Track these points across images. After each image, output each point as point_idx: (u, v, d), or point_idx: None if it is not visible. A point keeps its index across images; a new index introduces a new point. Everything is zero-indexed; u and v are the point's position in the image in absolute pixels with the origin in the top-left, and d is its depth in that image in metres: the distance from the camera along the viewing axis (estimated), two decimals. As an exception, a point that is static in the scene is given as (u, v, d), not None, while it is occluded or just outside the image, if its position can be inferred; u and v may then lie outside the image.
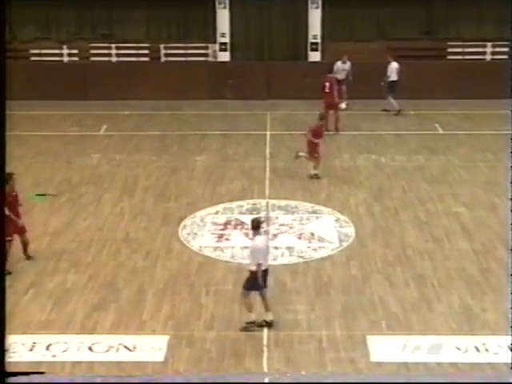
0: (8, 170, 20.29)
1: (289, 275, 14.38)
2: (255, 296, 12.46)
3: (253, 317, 12.34)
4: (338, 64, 27.04)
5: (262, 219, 13.39)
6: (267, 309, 12.42)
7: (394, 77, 26.60)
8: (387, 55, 26.88)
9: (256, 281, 12.11)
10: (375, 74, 26.78)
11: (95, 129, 25.06)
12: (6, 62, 4.51)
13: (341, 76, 26.79)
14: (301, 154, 20.07)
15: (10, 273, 13.74)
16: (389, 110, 26.68)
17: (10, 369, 5.53)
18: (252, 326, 12.29)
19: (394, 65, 26.65)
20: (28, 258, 15.16)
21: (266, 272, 12.34)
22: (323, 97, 24.47)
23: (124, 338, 12.07)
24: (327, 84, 24.63)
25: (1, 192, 5.14)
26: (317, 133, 19.96)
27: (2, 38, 4.51)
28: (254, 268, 12.13)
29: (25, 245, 15.14)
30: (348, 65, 27.08)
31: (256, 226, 12.38)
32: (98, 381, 10.99)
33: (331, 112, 23.89)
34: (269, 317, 12.39)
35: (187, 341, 12.01)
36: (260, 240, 12.32)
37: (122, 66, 29.29)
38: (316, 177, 19.78)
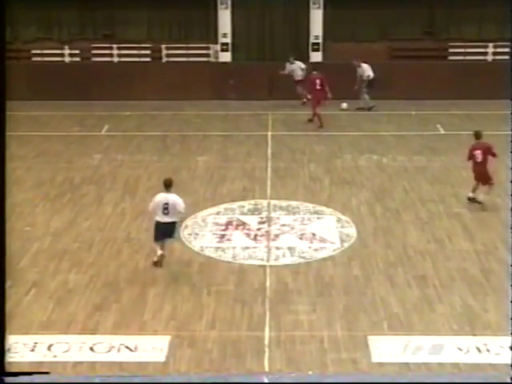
0: (10, 170, 20.40)
1: (290, 275, 14.37)
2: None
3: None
4: (287, 65, 27.32)
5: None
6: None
7: (371, 75, 26.68)
8: (357, 59, 26.91)
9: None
10: (377, 74, 26.79)
11: (97, 129, 25.08)
12: (6, 62, 4.51)
13: (297, 76, 27.09)
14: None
15: None
16: (363, 108, 26.84)
17: (10, 369, 5.52)
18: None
19: (365, 66, 26.78)
20: None
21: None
22: (314, 93, 25.14)
23: (125, 339, 12.07)
24: (318, 81, 25.15)
25: (1, 192, 5.12)
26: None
27: (3, 38, 4.51)
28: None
29: None
30: (297, 65, 27.22)
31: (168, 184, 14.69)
32: (98, 381, 10.97)
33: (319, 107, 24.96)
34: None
35: (189, 341, 12.01)
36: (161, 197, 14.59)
37: (123, 67, 29.32)
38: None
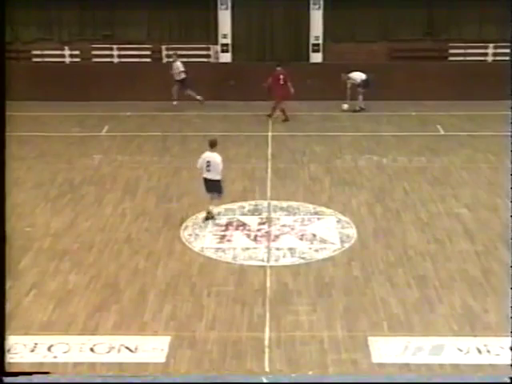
0: (10, 170, 20.34)
1: (290, 276, 14.37)
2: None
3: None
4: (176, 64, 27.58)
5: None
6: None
7: (363, 77, 26.72)
8: (344, 73, 26.98)
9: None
10: (377, 75, 26.80)
11: (97, 130, 25.08)
12: (6, 62, 4.50)
13: (178, 76, 27.37)
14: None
15: None
16: (363, 109, 26.90)
17: (10, 369, 5.52)
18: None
19: (355, 74, 26.83)
20: None
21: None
22: (277, 89, 25.58)
23: (125, 339, 12.07)
24: (281, 77, 25.65)
25: (1, 192, 5.09)
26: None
27: (2, 38, 4.50)
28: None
29: None
30: (177, 64, 27.29)
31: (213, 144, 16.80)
32: (99, 381, 10.97)
33: (284, 102, 25.58)
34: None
35: (189, 342, 12.00)
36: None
37: (123, 67, 29.34)
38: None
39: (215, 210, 17.25)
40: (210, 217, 16.94)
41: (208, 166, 16.72)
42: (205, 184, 16.93)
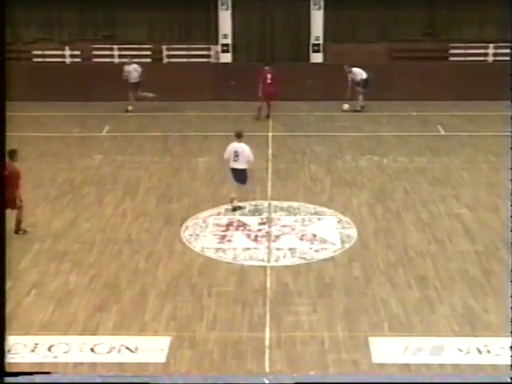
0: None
1: (291, 276, 14.37)
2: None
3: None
4: (125, 67, 27.46)
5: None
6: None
7: (363, 76, 26.74)
8: (347, 65, 27.00)
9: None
10: (377, 75, 26.81)
11: (97, 130, 25.09)
12: (6, 62, 4.52)
13: (132, 79, 27.26)
14: None
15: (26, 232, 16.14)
16: (363, 107, 26.94)
17: (10, 369, 5.52)
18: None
19: (356, 70, 26.85)
20: (16, 232, 16.06)
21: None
22: (264, 88, 25.82)
23: (126, 339, 12.07)
24: (269, 75, 25.89)
25: (1, 193, 5.12)
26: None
27: (3, 38, 4.51)
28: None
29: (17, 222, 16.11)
30: (133, 66, 27.18)
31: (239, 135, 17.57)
32: (99, 380, 10.98)
33: (270, 102, 25.92)
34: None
35: (189, 342, 12.00)
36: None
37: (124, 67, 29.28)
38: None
39: (236, 202, 17.79)
40: (236, 207, 17.60)
41: (236, 155, 17.40)
42: (232, 174, 17.65)
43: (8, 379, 4.89)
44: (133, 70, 27.26)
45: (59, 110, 27.15)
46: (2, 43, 4.54)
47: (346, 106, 27.10)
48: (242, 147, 17.43)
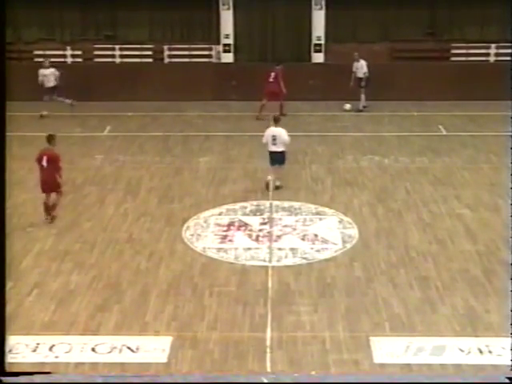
0: (12, 170, 20.53)
1: (292, 276, 14.37)
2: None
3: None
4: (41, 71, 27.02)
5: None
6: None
7: (366, 72, 26.84)
8: (357, 54, 27.11)
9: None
10: (379, 75, 26.82)
11: (99, 130, 25.09)
12: (6, 62, 4.52)
13: (49, 82, 26.89)
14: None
15: (53, 217, 16.89)
16: (366, 107, 27.01)
17: (11, 369, 5.52)
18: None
19: (364, 62, 26.95)
20: (46, 218, 16.87)
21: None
22: (265, 86, 26.03)
23: (127, 339, 12.07)
24: (272, 74, 26.09)
25: (1, 192, 5.12)
26: None
27: (3, 38, 4.52)
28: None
29: (47, 206, 16.95)
30: (51, 70, 26.99)
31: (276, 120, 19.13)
32: (100, 380, 10.98)
33: (273, 101, 25.88)
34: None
35: (190, 342, 12.00)
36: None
37: (125, 67, 29.34)
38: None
39: (277, 182, 19.06)
40: (278, 186, 18.92)
41: (274, 139, 18.78)
42: (270, 156, 18.95)
43: (8, 379, 4.88)
44: (50, 74, 26.87)
45: (61, 110, 27.13)
46: (2, 43, 4.54)
47: (347, 106, 27.10)
48: (279, 131, 18.87)
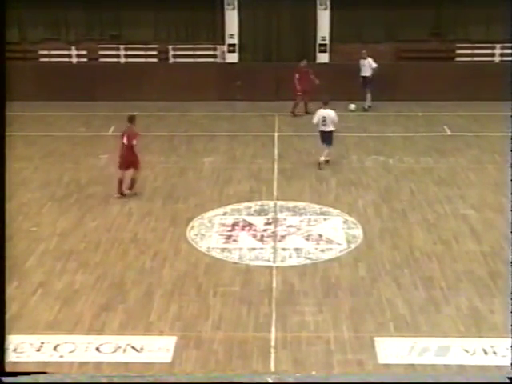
0: (17, 170, 20.47)
1: (297, 277, 14.37)
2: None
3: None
4: None
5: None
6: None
7: (374, 64, 26.95)
8: (365, 52, 27.17)
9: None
10: (383, 75, 26.80)
11: (104, 129, 25.10)
12: (6, 62, 4.53)
13: None
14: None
15: (135, 194, 18.50)
16: (370, 107, 27.05)
17: (15, 369, 5.53)
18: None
19: (371, 60, 26.99)
20: (118, 195, 18.40)
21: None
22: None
23: (131, 339, 12.08)
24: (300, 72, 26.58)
25: (2, 193, 5.12)
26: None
27: (2, 38, 4.52)
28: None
29: (121, 182, 18.50)
30: None
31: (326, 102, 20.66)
32: (104, 380, 11.00)
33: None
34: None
35: (195, 342, 12.01)
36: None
37: (130, 67, 29.36)
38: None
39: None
40: (320, 167, 20.65)
41: (324, 120, 20.43)
42: (321, 136, 20.68)
43: (8, 379, 4.89)
44: None
45: (65, 110, 27.19)
46: (2, 43, 4.54)
47: (352, 106, 27.07)
48: (328, 112, 20.51)
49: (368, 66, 27.17)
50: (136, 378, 11.01)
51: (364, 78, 27.17)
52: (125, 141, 18.31)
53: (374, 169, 20.92)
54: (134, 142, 18.23)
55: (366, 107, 27.17)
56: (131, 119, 18.65)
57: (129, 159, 18.35)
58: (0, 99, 4.56)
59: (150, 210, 17.84)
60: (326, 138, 20.65)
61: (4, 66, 4.53)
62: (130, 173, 18.60)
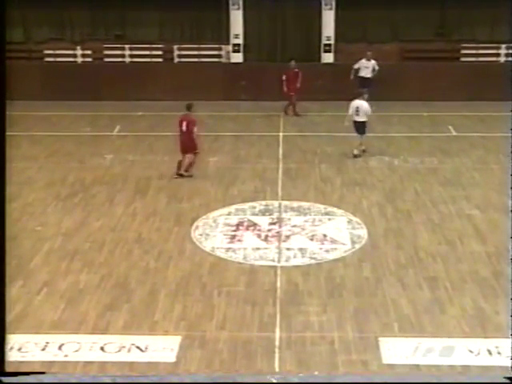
0: (21, 169, 20.51)
1: (301, 277, 14.36)
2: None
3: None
4: None
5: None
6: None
7: (376, 66, 27.01)
8: (371, 53, 27.19)
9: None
10: (388, 75, 26.78)
11: (108, 129, 25.14)
12: (5, 62, 4.53)
13: None
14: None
15: (190, 176, 19.89)
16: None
17: (13, 368, 5.52)
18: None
19: (374, 62, 27.05)
20: (186, 171, 19.91)
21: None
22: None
23: (136, 339, 12.08)
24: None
25: (1, 192, 5.10)
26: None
27: (2, 38, 4.52)
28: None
29: (180, 164, 19.93)
30: None
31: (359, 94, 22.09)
32: (108, 380, 11.00)
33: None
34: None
35: (199, 341, 12.01)
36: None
37: (135, 67, 29.42)
38: None
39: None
40: (360, 153, 21.94)
41: (357, 111, 21.66)
42: (354, 126, 21.83)
43: (8, 379, 4.88)
44: None
45: (70, 110, 27.23)
46: (2, 43, 4.54)
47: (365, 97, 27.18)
48: (362, 103, 21.67)
49: (372, 68, 27.14)
50: (141, 378, 11.03)
51: (364, 78, 27.12)
52: (184, 127, 19.63)
53: (379, 169, 20.91)
54: (195, 130, 19.50)
55: None
56: (189, 107, 19.86)
57: (188, 145, 19.65)
58: (0, 99, 4.55)
59: (155, 210, 17.85)
60: (359, 127, 21.75)
61: (4, 66, 4.52)
62: (188, 156, 19.88)
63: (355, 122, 21.82)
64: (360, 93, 22.21)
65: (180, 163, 19.96)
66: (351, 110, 21.81)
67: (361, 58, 27.47)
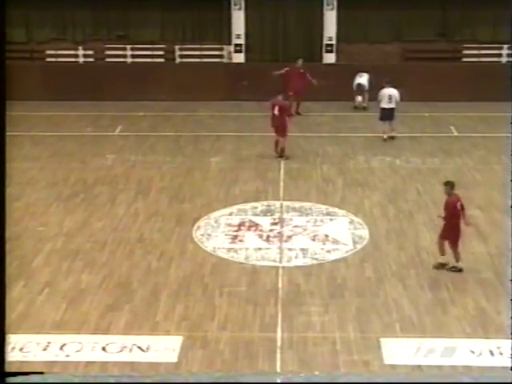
0: (23, 169, 20.56)
1: (303, 277, 14.36)
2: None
3: None
4: None
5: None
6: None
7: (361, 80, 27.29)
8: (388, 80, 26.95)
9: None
10: (390, 76, 26.74)
11: (110, 129, 25.14)
12: (5, 62, 4.54)
13: None
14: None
15: (284, 156, 21.33)
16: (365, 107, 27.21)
17: (14, 368, 5.53)
18: None
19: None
20: (280, 156, 21.27)
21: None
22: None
23: (138, 339, 12.09)
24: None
25: (1, 192, 5.09)
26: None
27: (2, 38, 4.52)
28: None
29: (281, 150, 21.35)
30: None
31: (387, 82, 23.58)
32: (112, 381, 11.02)
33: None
34: None
35: (201, 342, 12.01)
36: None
37: (137, 67, 29.41)
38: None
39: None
40: (392, 137, 23.40)
41: (390, 98, 23.23)
42: (383, 113, 23.39)
43: (10, 379, 4.89)
44: None
45: (72, 110, 27.23)
46: (2, 43, 4.54)
47: (359, 98, 27.18)
48: (393, 91, 23.21)
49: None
50: (144, 378, 11.04)
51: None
52: (276, 111, 20.97)
53: (381, 169, 20.90)
54: (288, 113, 21.58)
55: (365, 105, 27.21)
56: (279, 92, 21.49)
57: (280, 129, 21.10)
58: (0, 99, 4.56)
59: (157, 210, 17.86)
60: (389, 114, 23.21)
61: (4, 66, 4.53)
62: (280, 141, 21.25)
63: (385, 110, 23.22)
64: (387, 81, 23.32)
65: (277, 143, 21.42)
66: (381, 97, 23.24)
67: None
